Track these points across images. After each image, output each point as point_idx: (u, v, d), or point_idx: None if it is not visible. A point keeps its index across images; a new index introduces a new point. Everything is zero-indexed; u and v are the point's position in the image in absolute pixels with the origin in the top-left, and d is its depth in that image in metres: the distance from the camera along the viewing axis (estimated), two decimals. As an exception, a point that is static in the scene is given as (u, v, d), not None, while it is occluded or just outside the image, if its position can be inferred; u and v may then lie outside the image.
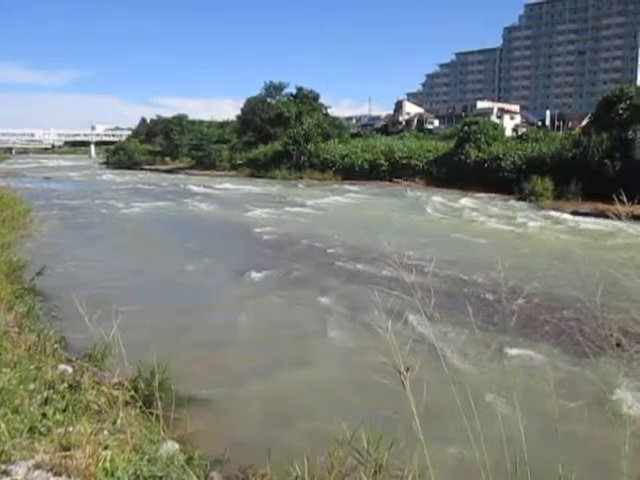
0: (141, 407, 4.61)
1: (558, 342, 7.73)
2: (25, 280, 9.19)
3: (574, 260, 13.99)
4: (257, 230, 18.02)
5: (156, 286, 10.99)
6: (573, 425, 5.22)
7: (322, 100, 63.59)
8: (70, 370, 5.42)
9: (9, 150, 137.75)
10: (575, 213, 24.35)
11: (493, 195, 31.50)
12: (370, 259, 12.79)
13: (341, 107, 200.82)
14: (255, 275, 11.49)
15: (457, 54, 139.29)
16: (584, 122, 47.20)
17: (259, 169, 52.14)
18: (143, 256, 14.27)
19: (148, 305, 9.18)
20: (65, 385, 4.64)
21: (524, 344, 7.23)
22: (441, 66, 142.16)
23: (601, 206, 24.60)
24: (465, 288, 10.75)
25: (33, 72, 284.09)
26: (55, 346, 6.20)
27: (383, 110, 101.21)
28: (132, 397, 4.67)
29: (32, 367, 4.85)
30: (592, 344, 7.88)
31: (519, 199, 29.74)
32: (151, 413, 4.47)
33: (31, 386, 4.29)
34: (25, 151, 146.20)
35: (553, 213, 24.49)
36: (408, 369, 2.27)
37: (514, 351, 6.98)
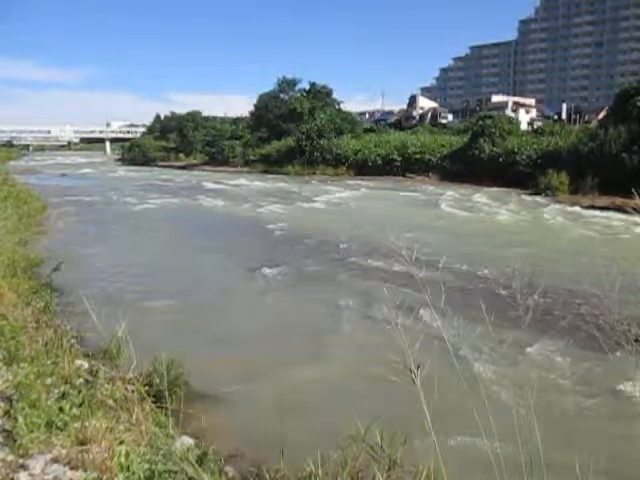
0: (156, 402, 4.66)
1: (574, 337, 7.63)
2: (42, 276, 9.30)
3: (590, 255, 13.85)
4: (270, 226, 18.05)
5: (170, 282, 11.07)
6: (590, 421, 5.17)
7: (335, 95, 63.42)
8: (86, 365, 5.49)
9: (26, 147, 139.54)
10: (592, 207, 24.04)
11: (508, 190, 31.22)
12: (383, 254, 12.74)
13: (354, 102, 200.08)
14: (268, 271, 11.52)
15: (471, 47, 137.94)
16: (601, 115, 46.57)
17: (272, 165, 52.21)
18: (157, 252, 14.38)
19: (162, 301, 9.25)
20: (81, 380, 4.70)
21: (539, 339, 7.17)
22: (455, 60, 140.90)
23: (619, 200, 24.27)
24: (479, 283, 10.67)
25: (48, 69, 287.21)
26: (72, 341, 6.28)
27: (396, 105, 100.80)
28: (147, 392, 4.71)
29: (49, 362, 4.91)
30: (609, 340, 7.80)
31: (534, 193, 29.46)
32: (166, 408, 4.51)
33: (48, 381, 4.35)
34: (42, 148, 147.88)
35: (569, 207, 24.22)
36: (419, 367, 2.26)
37: (529, 347, 6.92)
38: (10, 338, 5.05)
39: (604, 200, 25.18)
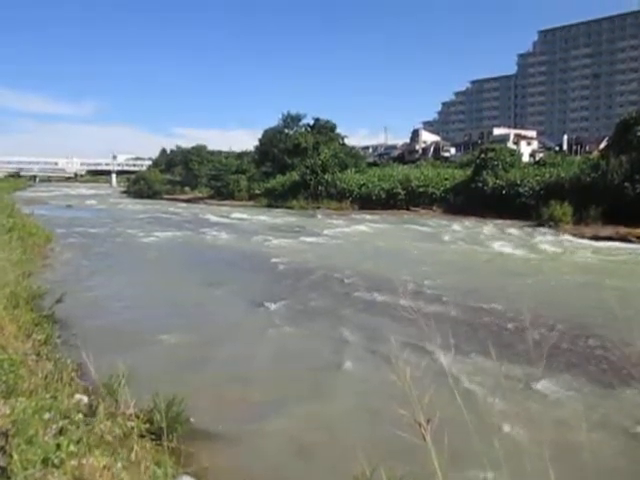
0: (156, 440, 4.54)
1: (584, 372, 7.49)
2: (44, 307, 9.24)
3: (598, 286, 13.72)
4: (274, 260, 18.01)
5: (173, 316, 10.98)
6: (605, 461, 5.01)
7: (339, 130, 64.31)
8: (86, 400, 5.39)
9: (33, 178, 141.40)
10: (596, 238, 23.97)
11: (512, 221, 31.22)
12: (388, 289, 12.65)
13: (357, 136, 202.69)
14: (272, 306, 11.42)
15: (472, 82, 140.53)
16: (602, 145, 46.97)
17: (277, 199, 52.54)
18: (161, 285, 14.32)
19: (165, 335, 9.15)
20: (80, 415, 4.60)
21: (548, 374, 7.01)
22: (456, 94, 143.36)
23: (623, 230, 24.25)
24: (486, 317, 10.53)
25: (57, 102, 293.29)
26: (72, 375, 6.19)
27: (399, 139, 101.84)
28: (147, 429, 4.60)
29: (48, 396, 4.83)
30: (620, 374, 7.64)
31: (538, 225, 29.44)
32: (167, 446, 4.39)
33: (46, 416, 4.25)
34: (48, 179, 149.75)
35: (573, 238, 24.16)
36: (429, 421, 2.13)
37: (538, 381, 6.75)
38: (9, 371, 4.97)
39: (608, 230, 25.15)
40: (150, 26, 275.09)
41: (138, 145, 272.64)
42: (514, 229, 28.48)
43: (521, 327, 9.11)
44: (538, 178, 35.63)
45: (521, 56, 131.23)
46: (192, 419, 5.48)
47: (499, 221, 31.90)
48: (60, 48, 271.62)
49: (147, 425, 4.73)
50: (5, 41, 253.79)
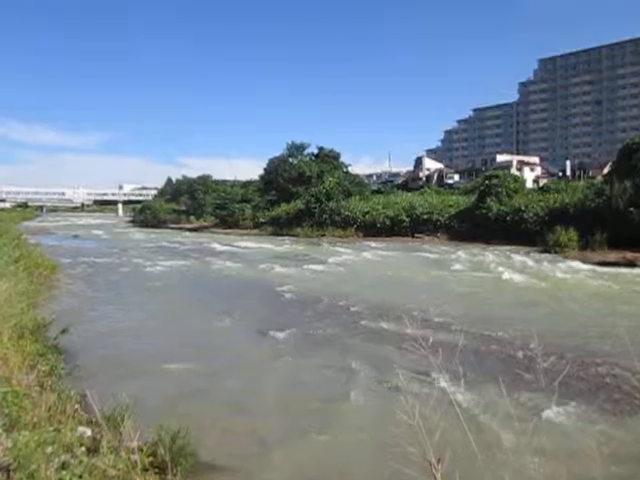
0: (160, 473, 4.46)
1: (595, 401, 7.34)
2: (49, 338, 9.21)
3: (606, 312, 13.59)
4: (280, 288, 17.96)
5: (178, 346, 10.91)
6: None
7: (342, 159, 64.91)
8: (89, 432, 5.31)
9: (40, 208, 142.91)
10: (602, 263, 23.81)
11: (517, 247, 31.14)
12: (394, 317, 12.57)
13: (361, 164, 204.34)
14: (278, 335, 11.34)
15: (474, 110, 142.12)
16: (605, 170, 47.10)
17: (281, 227, 52.73)
18: (166, 315, 14.28)
19: (169, 366, 9.07)
20: (83, 449, 4.53)
21: (558, 403, 6.88)
22: (459, 122, 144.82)
23: (629, 255, 24.12)
24: (494, 345, 10.40)
25: (66, 134, 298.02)
26: (75, 407, 6.11)
27: (403, 166, 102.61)
28: (151, 463, 4.52)
29: (51, 429, 4.76)
30: (632, 403, 7.49)
31: (544, 250, 29.33)
32: (171, 480, 4.31)
33: (49, 449, 4.19)
34: (55, 209, 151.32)
35: (579, 264, 24.00)
36: (439, 460, 2.08)
37: (548, 410, 6.63)
38: (12, 404, 4.93)
39: (614, 255, 25.02)
40: (155, 58, 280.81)
41: (144, 175, 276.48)
42: (520, 255, 28.36)
43: (530, 355, 9.00)
44: (542, 204, 35.70)
45: (522, 84, 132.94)
46: (198, 451, 5.39)
47: (504, 247, 31.82)
48: (67, 80, 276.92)
49: (151, 458, 4.64)
50: (14, 75, 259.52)
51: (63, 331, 8.88)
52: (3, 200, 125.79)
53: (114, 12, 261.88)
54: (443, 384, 6.52)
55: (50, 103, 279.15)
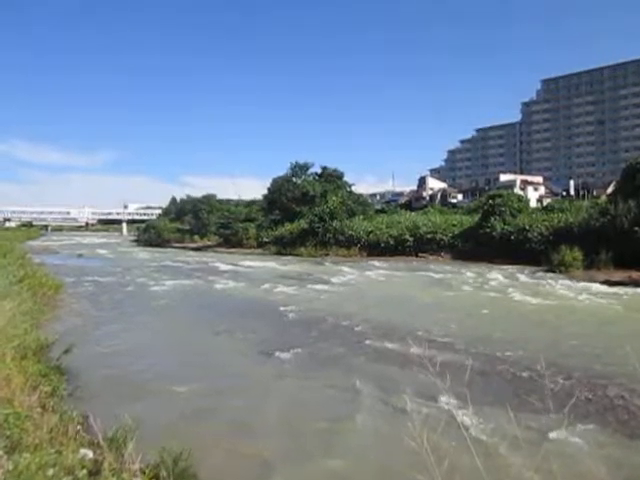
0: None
1: (604, 423, 7.23)
2: (52, 358, 9.17)
3: (613, 333, 13.46)
4: (283, 308, 17.90)
5: (182, 366, 10.85)
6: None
7: (346, 178, 65.16)
8: (91, 455, 5.25)
9: (45, 227, 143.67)
10: (607, 283, 23.68)
11: (522, 267, 31.02)
12: (399, 337, 12.49)
13: (365, 184, 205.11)
14: (281, 355, 11.27)
15: (477, 130, 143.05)
16: (609, 190, 47.16)
17: (285, 246, 52.74)
18: (170, 335, 14.23)
19: (173, 386, 9.00)
20: (85, 472, 4.48)
21: (567, 425, 6.77)
22: (462, 142, 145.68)
23: (634, 274, 23.99)
24: (500, 365, 10.30)
25: (72, 154, 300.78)
26: (77, 428, 6.05)
27: (406, 186, 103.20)
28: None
29: (52, 451, 4.72)
30: (641, 425, 7.37)
31: (548, 270, 29.20)
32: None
33: (50, 472, 4.15)
34: (60, 229, 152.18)
35: (585, 283, 23.86)
36: None
37: (556, 432, 6.52)
38: (14, 426, 4.89)
39: (620, 274, 24.89)
40: (159, 79, 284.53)
41: (149, 194, 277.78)
42: (524, 275, 28.25)
43: (536, 376, 8.90)
44: (547, 223, 35.67)
45: (525, 104, 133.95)
46: (200, 474, 5.31)
47: (509, 266, 31.71)
48: (73, 99, 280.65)
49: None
50: (19, 93, 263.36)
51: (66, 351, 8.86)
52: (8, 219, 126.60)
53: (118, 30, 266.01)
54: (449, 406, 6.44)
55: (56, 122, 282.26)
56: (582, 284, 23.70)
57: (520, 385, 8.92)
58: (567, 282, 24.67)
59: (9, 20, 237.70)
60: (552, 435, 6.41)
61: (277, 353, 11.37)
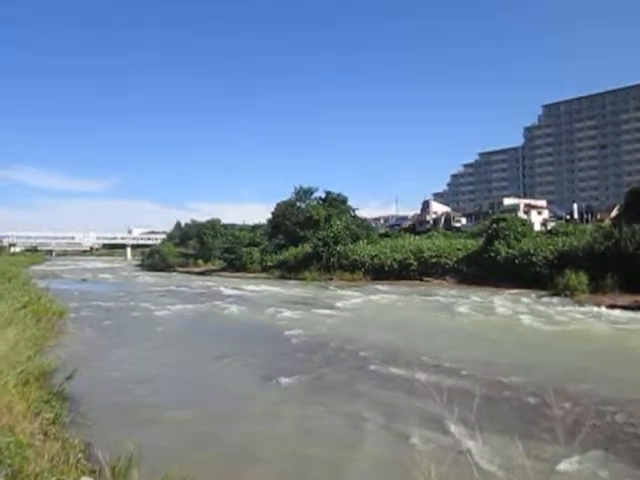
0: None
1: (613, 451, 7.10)
2: (55, 384, 9.12)
3: (623, 358, 13.31)
4: (287, 333, 17.82)
5: (184, 392, 10.77)
6: None
7: (350, 202, 65.46)
8: (92, 483, 5.19)
9: (49, 252, 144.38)
10: (613, 307, 23.45)
11: (527, 291, 30.84)
12: (404, 362, 12.38)
13: (369, 208, 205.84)
14: (285, 380, 11.18)
15: (480, 154, 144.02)
16: (613, 213, 47.14)
17: (289, 271, 52.69)
18: (174, 360, 14.16)
19: (175, 412, 8.92)
20: (86, 501, 4.42)
21: (574, 452, 6.65)
22: (465, 166, 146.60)
23: (640, 298, 23.78)
24: (506, 391, 10.17)
25: (78, 179, 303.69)
26: (79, 456, 6.00)
27: (410, 210, 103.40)
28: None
29: (53, 479, 4.67)
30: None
31: (554, 294, 28.99)
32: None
33: (51, 502, 4.09)
34: (64, 253, 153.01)
35: (590, 308, 23.65)
36: None
37: (565, 462, 6.40)
38: (15, 454, 4.84)
39: (626, 299, 24.67)
40: (165, 108, 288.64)
41: (154, 219, 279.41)
42: (529, 299, 28.07)
43: (543, 402, 8.78)
44: (551, 247, 35.57)
45: (527, 129, 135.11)
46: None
47: (514, 290, 31.54)
48: (81, 130, 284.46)
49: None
50: (27, 120, 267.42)
51: (68, 377, 8.81)
52: (13, 244, 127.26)
53: (123, 56, 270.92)
54: (456, 434, 6.34)
55: (63, 149, 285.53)
56: (588, 308, 23.50)
57: (527, 412, 8.80)
58: (573, 306, 24.48)
59: (11, 45, 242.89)
60: (561, 466, 6.29)
61: (280, 378, 11.28)
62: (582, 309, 23.48)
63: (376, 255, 47.02)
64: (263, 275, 55.47)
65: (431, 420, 6.89)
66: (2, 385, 6.62)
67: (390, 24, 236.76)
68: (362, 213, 69.86)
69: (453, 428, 6.54)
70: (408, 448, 6.83)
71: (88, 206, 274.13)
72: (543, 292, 29.85)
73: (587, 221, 59.37)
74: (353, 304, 27.86)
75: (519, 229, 40.48)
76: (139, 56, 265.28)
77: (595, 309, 23.18)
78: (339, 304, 27.38)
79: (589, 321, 19.95)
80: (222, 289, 38.99)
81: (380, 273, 44.80)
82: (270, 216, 70.27)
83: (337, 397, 10.09)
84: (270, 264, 57.96)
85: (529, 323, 19.82)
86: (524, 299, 27.94)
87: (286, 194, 69.37)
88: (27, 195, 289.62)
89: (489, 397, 9.64)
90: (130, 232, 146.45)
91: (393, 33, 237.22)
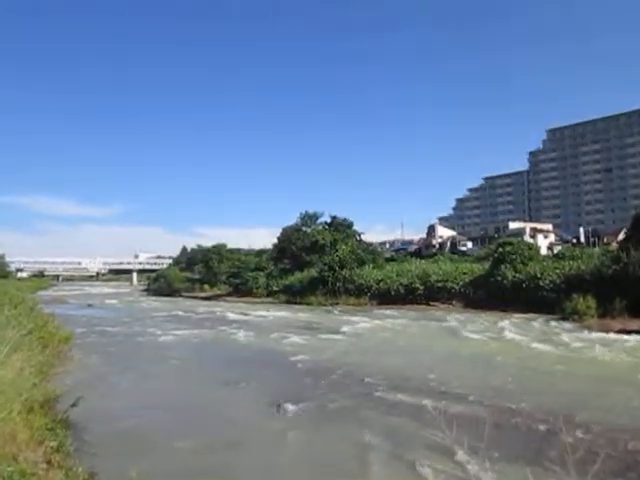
0: None
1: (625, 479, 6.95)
2: (59, 411, 9.06)
3: (630, 385, 13.10)
4: (293, 358, 17.70)
5: (189, 419, 10.66)
6: None
7: (355, 227, 65.47)
8: (96, 514, 5.12)
9: (56, 277, 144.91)
10: (624, 332, 23.18)
11: (534, 315, 30.58)
12: (411, 388, 12.24)
13: (374, 232, 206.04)
14: (291, 407, 11.06)
15: (485, 179, 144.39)
16: (620, 237, 46.87)
17: (295, 295, 52.55)
18: (179, 386, 14.07)
19: (180, 441, 8.83)
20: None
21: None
22: (470, 190, 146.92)
23: (651, 323, 23.49)
24: (515, 418, 10.01)
25: (85, 206, 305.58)
26: (82, 486, 5.93)
27: (415, 234, 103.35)
28: None
29: (56, 510, 4.60)
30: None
31: (562, 318, 28.74)
32: None
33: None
34: (71, 278, 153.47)
35: (600, 333, 23.38)
36: None
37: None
38: (19, 483, 4.79)
39: (636, 323, 24.39)
40: (172, 136, 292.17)
41: (160, 244, 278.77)
42: (537, 323, 27.81)
43: (553, 429, 8.64)
44: (558, 271, 35.38)
45: (532, 153, 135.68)
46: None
47: (521, 315, 31.27)
48: (89, 159, 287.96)
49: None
50: (36, 148, 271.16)
51: (73, 405, 8.76)
52: (21, 270, 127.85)
53: (128, 90, 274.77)
54: (464, 462, 6.23)
55: (71, 176, 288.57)
56: (597, 334, 23.22)
57: (537, 440, 8.63)
58: (582, 331, 24.21)
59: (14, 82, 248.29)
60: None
61: (286, 405, 11.17)
62: (591, 334, 23.22)
63: (382, 279, 46.87)
64: (269, 300, 55.31)
65: (440, 448, 6.76)
66: (7, 413, 6.58)
67: (394, 60, 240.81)
68: (368, 237, 69.94)
69: (462, 457, 6.43)
70: (417, 479, 6.72)
71: (95, 232, 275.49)
72: (551, 316, 29.59)
73: (594, 245, 59.07)
74: (359, 329, 27.67)
75: (525, 253, 40.33)
76: (148, 95, 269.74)
77: (604, 335, 22.90)
78: (345, 329, 27.21)
79: (599, 346, 19.68)
80: (228, 314, 38.87)
81: (386, 297, 44.58)
82: (276, 241, 70.43)
83: (344, 424, 9.96)
84: (276, 289, 57.87)
85: (537, 348, 19.59)
86: (532, 323, 27.68)
87: (292, 219, 69.68)
88: (35, 221, 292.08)
89: (498, 424, 9.49)
90: (137, 257, 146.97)
91: (397, 68, 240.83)
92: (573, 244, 64.19)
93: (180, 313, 41.67)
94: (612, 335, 22.65)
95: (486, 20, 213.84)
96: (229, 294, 65.44)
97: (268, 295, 57.81)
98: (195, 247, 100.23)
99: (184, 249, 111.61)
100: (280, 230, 69.61)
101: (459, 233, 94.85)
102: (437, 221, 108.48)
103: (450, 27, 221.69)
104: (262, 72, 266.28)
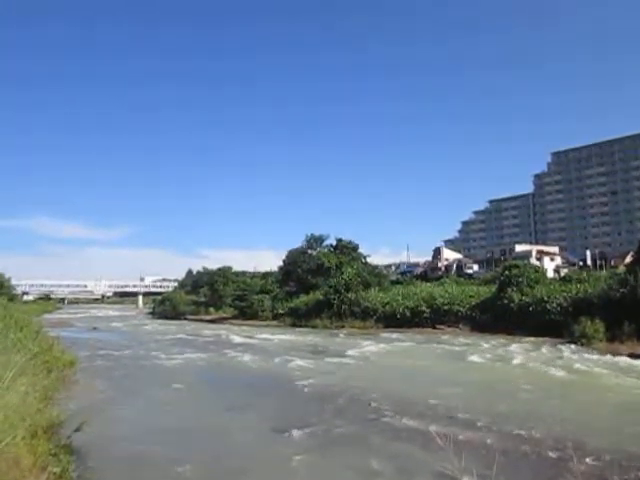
0: None
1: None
2: (63, 436, 9.00)
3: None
4: (298, 383, 17.55)
5: (193, 445, 10.55)
6: None
7: (361, 250, 65.44)
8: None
9: (62, 300, 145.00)
10: (633, 356, 22.89)
11: (542, 339, 30.28)
12: (417, 413, 12.09)
13: (380, 255, 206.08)
14: (296, 432, 10.94)
15: (490, 201, 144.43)
16: (627, 260, 46.60)
17: (300, 318, 52.35)
18: (184, 411, 13.94)
19: (183, 467, 8.72)
20: None
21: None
22: (476, 213, 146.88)
23: (661, 347, 23.19)
24: (524, 445, 9.84)
25: (91, 229, 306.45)
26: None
27: (421, 257, 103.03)
28: None
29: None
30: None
31: (570, 342, 28.41)
32: None
33: None
34: (76, 301, 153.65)
35: (609, 357, 23.09)
36: None
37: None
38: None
39: (645, 348, 24.09)
40: (174, 159, 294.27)
41: (166, 267, 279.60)
42: (545, 347, 27.50)
43: (564, 457, 8.49)
44: (565, 294, 35.13)
45: (537, 176, 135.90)
46: None
47: (528, 338, 30.97)
48: (94, 181, 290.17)
49: None
50: (43, 171, 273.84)
51: (76, 430, 8.71)
52: (26, 293, 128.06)
53: (132, 107, 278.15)
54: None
55: (77, 199, 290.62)
56: (606, 358, 22.92)
57: (546, 466, 8.48)
58: (591, 355, 23.91)
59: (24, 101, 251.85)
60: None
61: (291, 430, 11.04)
62: (601, 358, 22.93)
63: (388, 302, 46.66)
64: (274, 323, 55.10)
65: (447, 477, 6.66)
66: (11, 438, 6.54)
67: (397, 77, 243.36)
68: (373, 260, 69.78)
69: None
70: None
71: (101, 254, 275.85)
72: (558, 340, 29.29)
73: (601, 267, 58.72)
74: (365, 352, 27.45)
75: (532, 276, 40.14)
76: (150, 114, 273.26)
77: (614, 359, 22.61)
78: (351, 352, 27.01)
79: (608, 371, 19.42)
80: (233, 337, 38.71)
81: (392, 321, 44.30)
82: (281, 263, 70.44)
83: (350, 450, 9.83)
84: (281, 312, 57.69)
85: (545, 373, 19.36)
86: (540, 347, 27.38)
87: (297, 242, 69.73)
88: (41, 244, 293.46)
89: (507, 451, 9.33)
90: (142, 280, 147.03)
91: (403, 87, 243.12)
92: (580, 267, 63.83)
93: (185, 336, 41.52)
94: (622, 359, 22.36)
95: (481, 37, 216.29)
96: (234, 317, 65.27)
97: (274, 318, 57.63)
98: (201, 270, 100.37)
99: (189, 272, 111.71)
100: (286, 252, 69.77)
101: (465, 256, 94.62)
102: (443, 244, 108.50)
103: (446, 42, 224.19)
104: (260, 83, 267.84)
